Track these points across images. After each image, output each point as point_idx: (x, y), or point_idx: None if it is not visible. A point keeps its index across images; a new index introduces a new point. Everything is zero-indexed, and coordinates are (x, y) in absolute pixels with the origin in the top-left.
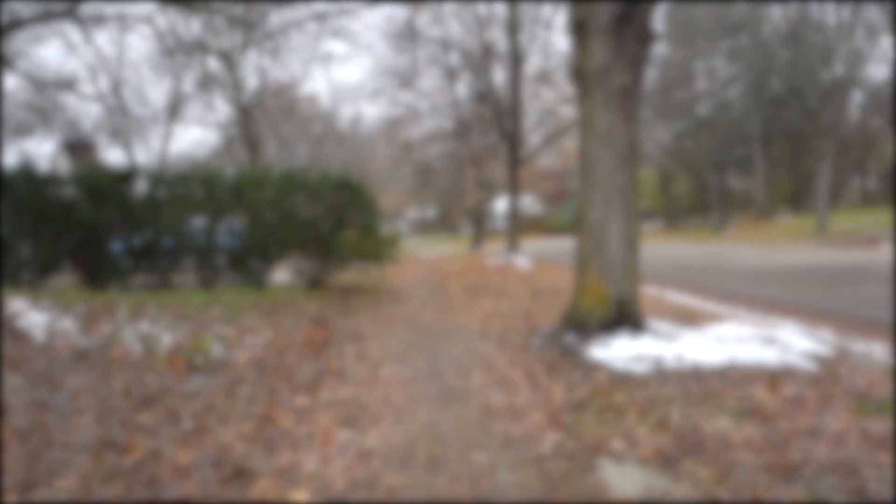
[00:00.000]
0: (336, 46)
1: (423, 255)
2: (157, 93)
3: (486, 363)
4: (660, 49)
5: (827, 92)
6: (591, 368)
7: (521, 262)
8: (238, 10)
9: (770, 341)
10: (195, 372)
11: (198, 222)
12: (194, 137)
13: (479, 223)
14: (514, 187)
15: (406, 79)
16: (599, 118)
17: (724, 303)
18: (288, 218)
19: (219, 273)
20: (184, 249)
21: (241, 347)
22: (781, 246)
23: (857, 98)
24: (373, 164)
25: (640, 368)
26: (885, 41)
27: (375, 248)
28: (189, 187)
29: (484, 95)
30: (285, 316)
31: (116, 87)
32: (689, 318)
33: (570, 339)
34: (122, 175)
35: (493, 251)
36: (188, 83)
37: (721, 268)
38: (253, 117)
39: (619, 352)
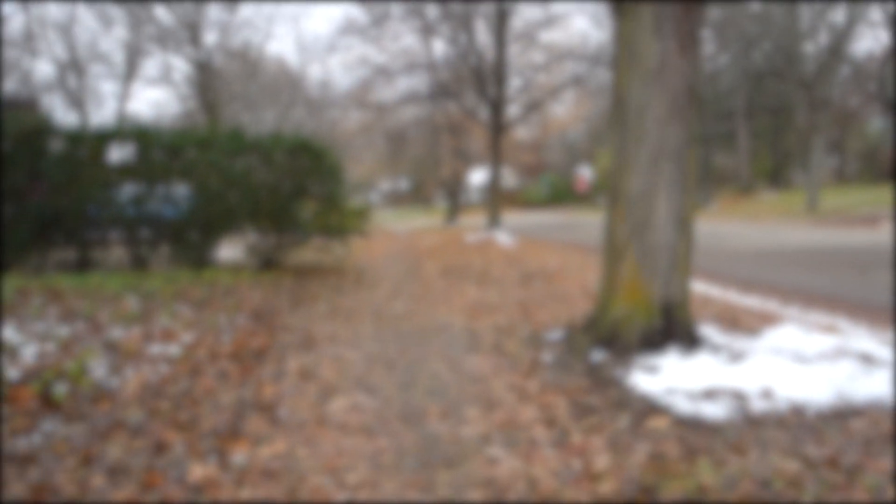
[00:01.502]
0: None
1: (396, 228)
2: (112, 48)
3: (483, 393)
4: None
5: (823, 63)
6: (641, 408)
7: (504, 238)
8: None
9: (867, 360)
10: (50, 412)
11: (131, 188)
12: (154, 99)
13: (455, 195)
14: (496, 156)
15: (377, 33)
16: (647, 46)
17: (748, 293)
18: (235, 184)
19: (155, 249)
20: (111, 220)
21: (140, 363)
22: (773, 223)
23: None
24: (344, 132)
25: (715, 412)
26: (873, 14)
27: (340, 221)
28: (114, 146)
29: (465, 53)
30: (219, 309)
31: (68, 40)
32: (732, 320)
33: (598, 355)
34: (27, 130)
35: (471, 225)
36: (144, 38)
37: (724, 248)
38: (211, 76)
39: (674, 380)
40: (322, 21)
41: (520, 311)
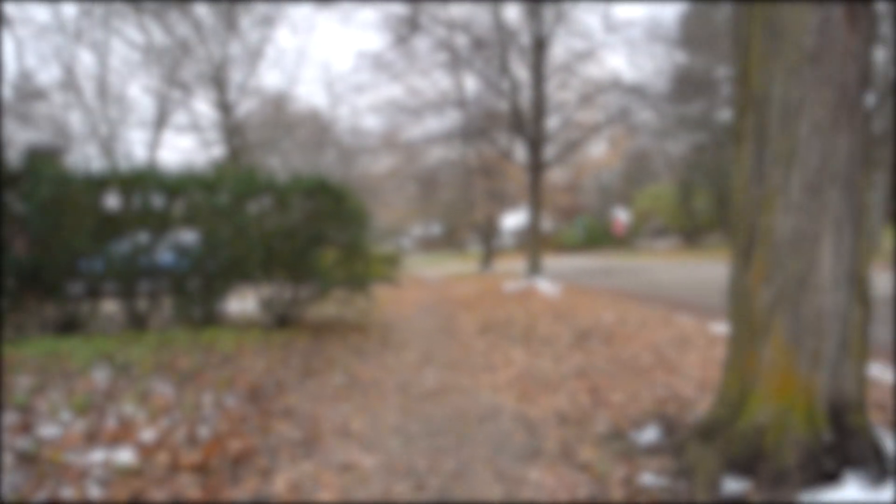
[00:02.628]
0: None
1: (428, 274)
2: (142, 99)
3: None
4: (677, 56)
5: (883, 92)
6: None
7: (546, 286)
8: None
9: None
10: None
11: (127, 238)
12: (183, 146)
13: (489, 240)
14: (535, 197)
15: (405, 66)
16: (798, 18)
17: None
18: (245, 231)
19: (156, 304)
20: (103, 274)
21: (60, 485)
22: None
23: None
24: (374, 177)
25: None
26: None
27: (363, 271)
28: (106, 191)
29: (498, 88)
30: (207, 385)
31: (101, 91)
32: None
33: (733, 485)
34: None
35: (508, 271)
36: (172, 83)
37: None
38: (236, 121)
39: None
40: (349, 62)
41: (584, 387)
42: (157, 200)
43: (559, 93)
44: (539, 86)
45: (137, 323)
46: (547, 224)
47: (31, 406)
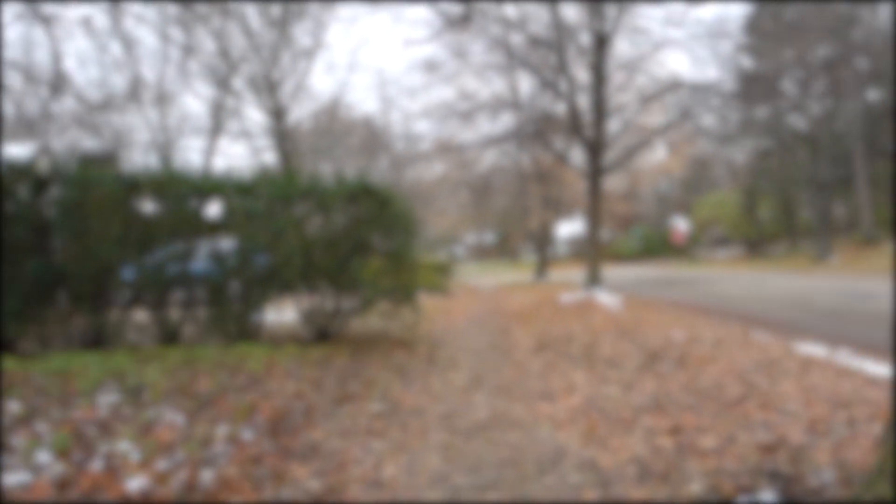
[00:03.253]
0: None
1: (481, 283)
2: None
3: None
4: (742, 58)
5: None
6: None
7: (607, 299)
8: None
9: None
10: None
11: (161, 244)
12: (237, 153)
13: (544, 248)
14: (595, 204)
15: (456, 70)
16: None
17: None
18: (284, 237)
19: (191, 314)
20: (133, 283)
21: None
22: None
23: None
24: (427, 184)
25: None
26: None
27: (409, 281)
28: (137, 194)
29: (556, 87)
30: (225, 414)
31: (159, 100)
32: None
33: None
34: (27, 175)
35: (563, 281)
36: (227, 93)
37: None
38: (287, 126)
39: None
40: (401, 64)
41: (664, 425)
42: (191, 204)
43: (619, 94)
44: (600, 86)
45: (169, 337)
46: (603, 233)
47: (5, 443)
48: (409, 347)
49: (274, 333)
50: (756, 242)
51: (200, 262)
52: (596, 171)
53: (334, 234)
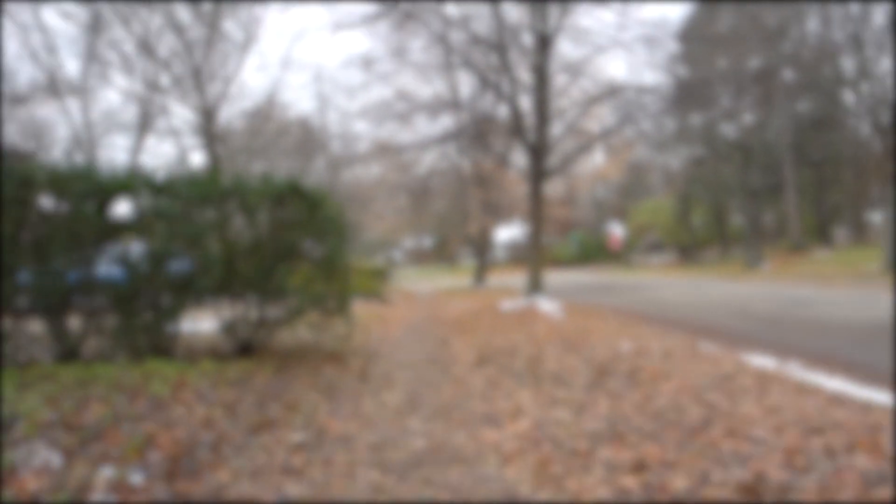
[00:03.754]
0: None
1: (419, 288)
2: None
3: None
4: (677, 67)
5: None
6: None
7: (548, 306)
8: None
9: None
10: None
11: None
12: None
13: (483, 253)
14: (537, 208)
15: (394, 69)
16: None
17: None
18: (202, 242)
19: (95, 327)
20: (37, 290)
21: None
22: (852, 286)
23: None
24: (364, 188)
25: None
26: None
27: (341, 289)
28: (33, 191)
29: (498, 88)
30: (114, 449)
31: (82, 95)
32: None
33: None
34: None
35: (502, 287)
36: (153, 90)
37: (847, 322)
38: (216, 125)
39: None
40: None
41: (626, 459)
42: (94, 203)
43: (562, 98)
44: (542, 87)
45: (68, 352)
46: (542, 238)
47: None
48: (340, 362)
49: (192, 346)
50: (689, 249)
51: (109, 267)
52: (538, 175)
53: (259, 238)
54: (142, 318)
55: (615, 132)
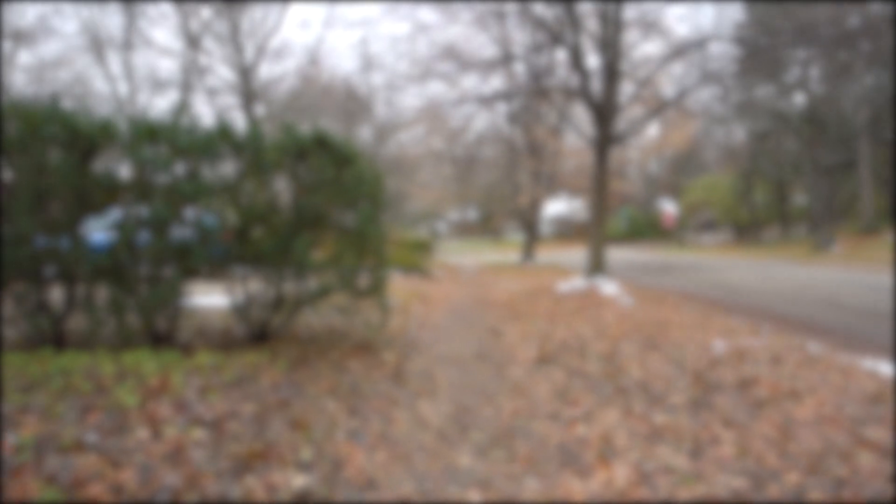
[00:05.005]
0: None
1: (463, 263)
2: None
3: None
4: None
5: None
6: None
7: (611, 290)
8: None
9: None
10: None
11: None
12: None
13: (533, 227)
14: (602, 177)
15: (442, 21)
16: None
17: None
18: (199, 202)
19: (76, 302)
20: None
21: None
22: None
23: None
24: (411, 157)
25: None
26: None
27: (375, 264)
28: None
29: (560, 39)
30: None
31: (125, 51)
32: None
33: None
34: None
35: (553, 264)
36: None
37: None
38: (255, 83)
39: None
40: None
41: None
42: (71, 153)
43: (630, 56)
44: (615, 38)
45: (43, 335)
46: (586, 214)
47: None
48: (371, 354)
49: (204, 327)
50: (746, 228)
51: (96, 233)
52: (605, 141)
53: (276, 201)
54: (132, 295)
55: (692, 93)
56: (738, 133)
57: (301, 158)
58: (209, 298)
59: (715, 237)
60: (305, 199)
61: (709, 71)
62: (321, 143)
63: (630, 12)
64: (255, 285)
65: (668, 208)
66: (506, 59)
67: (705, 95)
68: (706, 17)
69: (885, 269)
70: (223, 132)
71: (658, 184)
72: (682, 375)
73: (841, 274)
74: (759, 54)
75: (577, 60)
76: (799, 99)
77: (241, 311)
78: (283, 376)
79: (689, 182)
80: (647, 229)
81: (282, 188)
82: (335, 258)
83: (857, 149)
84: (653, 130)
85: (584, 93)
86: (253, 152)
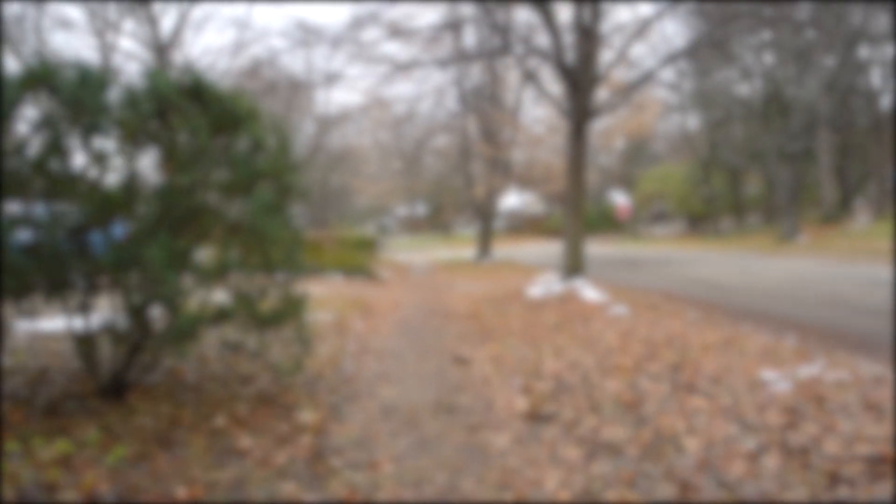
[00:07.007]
0: None
1: (414, 260)
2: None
3: None
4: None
5: None
6: None
7: (595, 295)
8: None
9: None
10: None
11: None
12: None
13: (489, 221)
14: (579, 155)
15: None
16: None
17: None
18: None
19: None
20: None
21: None
22: None
23: None
24: (355, 149)
25: None
26: None
27: (288, 279)
28: None
29: None
30: None
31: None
32: None
33: None
34: None
35: (510, 261)
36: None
37: None
38: (170, 61)
39: None
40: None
41: None
42: None
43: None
44: None
45: None
46: (538, 207)
47: None
48: (280, 411)
49: (52, 367)
50: (699, 219)
51: None
52: (582, 114)
53: (136, 184)
54: None
55: (657, 73)
56: (692, 122)
57: (162, 116)
58: (54, 322)
59: (667, 228)
60: (172, 179)
61: (672, 51)
62: (195, 95)
63: None
64: (95, 315)
65: (622, 200)
66: (455, 24)
67: (666, 77)
68: None
69: (863, 260)
70: (32, 76)
71: (609, 175)
72: (756, 440)
73: (819, 266)
74: (711, 32)
75: (548, 17)
76: (757, 84)
77: (81, 351)
78: (109, 481)
79: (642, 173)
80: (601, 222)
81: (129, 160)
82: (218, 269)
83: (817, 136)
84: (609, 120)
85: (556, 57)
86: (81, 105)
